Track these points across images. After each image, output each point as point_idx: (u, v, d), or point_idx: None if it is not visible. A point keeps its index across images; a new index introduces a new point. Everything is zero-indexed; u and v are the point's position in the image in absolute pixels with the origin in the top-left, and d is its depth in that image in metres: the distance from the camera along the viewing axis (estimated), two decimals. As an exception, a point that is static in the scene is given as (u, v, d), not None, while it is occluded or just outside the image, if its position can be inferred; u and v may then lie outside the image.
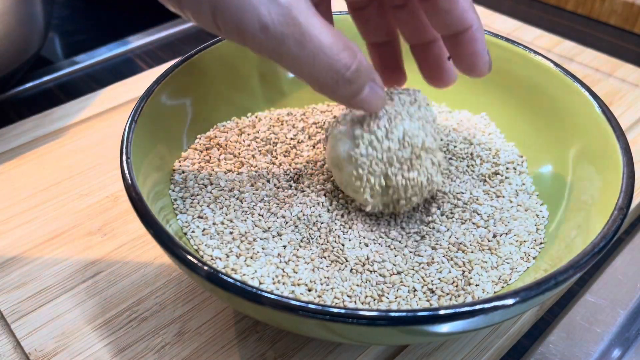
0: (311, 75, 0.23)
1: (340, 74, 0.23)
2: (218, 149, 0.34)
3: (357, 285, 0.27)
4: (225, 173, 0.32)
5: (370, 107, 0.25)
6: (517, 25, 0.55)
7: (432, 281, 0.27)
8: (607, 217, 0.25)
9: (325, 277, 0.27)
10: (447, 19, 0.26)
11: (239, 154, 0.34)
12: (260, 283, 0.26)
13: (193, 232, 0.29)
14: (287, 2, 0.22)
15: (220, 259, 0.27)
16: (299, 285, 0.27)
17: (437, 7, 0.26)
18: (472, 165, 0.34)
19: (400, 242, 0.29)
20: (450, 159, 0.34)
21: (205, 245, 0.28)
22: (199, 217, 0.29)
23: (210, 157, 0.33)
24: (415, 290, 0.27)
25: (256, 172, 0.32)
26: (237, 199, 0.31)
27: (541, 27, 0.55)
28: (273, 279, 0.27)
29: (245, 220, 0.29)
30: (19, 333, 0.29)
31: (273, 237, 0.29)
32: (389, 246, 0.29)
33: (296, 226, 0.29)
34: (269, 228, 0.29)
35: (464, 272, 0.28)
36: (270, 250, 0.28)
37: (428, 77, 0.31)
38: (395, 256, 0.28)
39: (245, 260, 0.27)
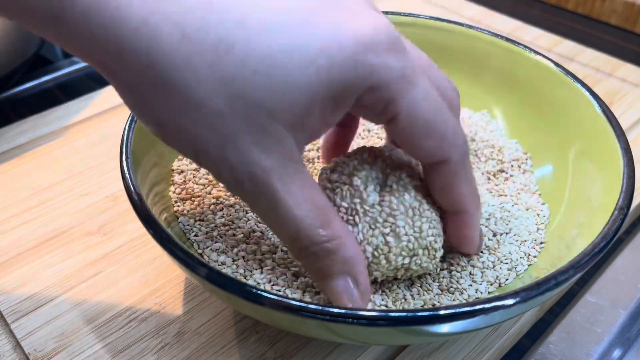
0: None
1: (305, 246, 0.23)
2: None
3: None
4: None
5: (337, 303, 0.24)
6: (517, 25, 0.55)
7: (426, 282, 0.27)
8: (608, 217, 0.25)
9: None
10: (443, 199, 0.26)
11: None
12: (257, 283, 0.26)
13: (196, 235, 0.29)
14: (269, 165, 0.22)
15: (225, 263, 0.27)
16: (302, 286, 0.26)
17: (435, 185, 0.25)
18: (476, 162, 0.34)
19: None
20: None
21: (210, 249, 0.28)
22: (200, 220, 0.29)
23: None
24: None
25: None
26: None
27: (541, 27, 0.55)
28: (271, 279, 0.27)
29: (248, 221, 0.29)
30: (18, 333, 0.29)
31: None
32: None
33: None
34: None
35: (451, 272, 0.28)
36: (274, 252, 0.28)
37: (453, 242, 0.28)
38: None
39: (249, 263, 0.27)
